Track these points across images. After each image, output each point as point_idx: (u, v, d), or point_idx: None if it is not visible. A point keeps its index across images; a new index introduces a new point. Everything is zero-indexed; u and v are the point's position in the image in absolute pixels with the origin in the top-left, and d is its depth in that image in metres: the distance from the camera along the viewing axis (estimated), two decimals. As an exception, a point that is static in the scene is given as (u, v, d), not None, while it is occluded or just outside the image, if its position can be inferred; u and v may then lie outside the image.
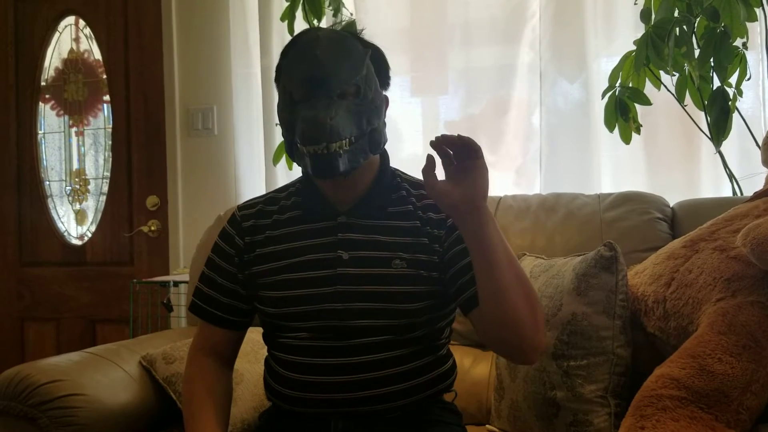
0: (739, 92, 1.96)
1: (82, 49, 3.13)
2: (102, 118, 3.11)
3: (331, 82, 1.17)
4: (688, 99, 2.01)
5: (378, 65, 1.27)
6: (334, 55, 1.18)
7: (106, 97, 3.08)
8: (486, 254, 1.12)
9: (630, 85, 2.03)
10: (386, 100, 1.29)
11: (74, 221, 3.17)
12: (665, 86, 2.05)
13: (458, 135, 1.10)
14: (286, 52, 1.25)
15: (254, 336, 1.54)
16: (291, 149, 1.23)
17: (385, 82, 1.29)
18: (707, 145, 2.12)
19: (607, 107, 2.05)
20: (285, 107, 1.22)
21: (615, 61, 2.06)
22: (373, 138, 1.23)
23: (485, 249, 1.11)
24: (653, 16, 1.95)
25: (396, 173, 1.34)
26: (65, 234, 3.16)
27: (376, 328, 1.22)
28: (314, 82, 1.16)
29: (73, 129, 3.16)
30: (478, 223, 1.11)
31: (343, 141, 1.16)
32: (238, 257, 1.31)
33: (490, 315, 1.14)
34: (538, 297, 1.18)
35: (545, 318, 1.46)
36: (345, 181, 1.23)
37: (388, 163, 1.32)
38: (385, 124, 1.27)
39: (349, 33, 1.26)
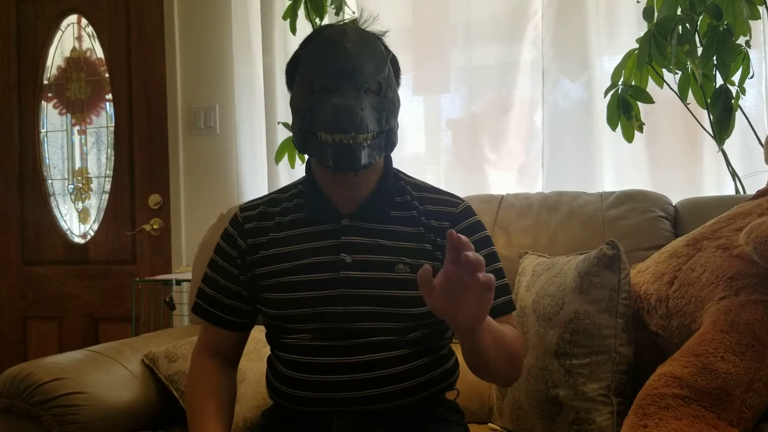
0: (742, 90, 1.95)
1: (84, 48, 3.14)
2: (104, 117, 3.11)
3: (360, 75, 1.17)
4: (690, 97, 2.01)
5: (394, 69, 1.28)
6: (362, 50, 1.19)
7: (109, 96, 3.08)
8: (474, 349, 1.12)
9: (632, 83, 2.03)
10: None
11: (77, 220, 3.17)
12: (668, 84, 2.05)
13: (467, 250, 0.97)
14: (307, 43, 1.25)
15: (257, 335, 1.54)
16: (304, 139, 1.21)
17: (398, 86, 1.30)
18: (710, 144, 2.12)
19: (609, 105, 2.05)
20: (303, 96, 1.21)
21: (617, 60, 2.06)
22: (389, 138, 1.23)
23: (474, 347, 1.12)
24: (656, 14, 1.95)
25: (399, 175, 1.34)
26: (68, 232, 3.16)
27: (378, 329, 1.21)
28: (344, 72, 1.17)
29: (76, 127, 3.16)
30: (472, 335, 1.08)
31: (369, 134, 1.17)
32: (240, 259, 1.31)
33: (471, 369, 1.19)
34: (521, 351, 1.23)
35: (548, 317, 1.47)
36: (350, 181, 1.23)
37: (391, 165, 1.32)
38: (398, 125, 1.27)
39: (373, 33, 1.26)
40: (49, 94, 3.18)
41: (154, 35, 2.94)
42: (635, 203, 1.81)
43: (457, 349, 1.40)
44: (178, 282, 2.61)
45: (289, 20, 2.37)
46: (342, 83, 1.16)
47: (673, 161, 2.31)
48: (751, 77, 1.96)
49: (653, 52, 1.88)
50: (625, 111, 2.03)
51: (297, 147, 1.25)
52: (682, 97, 2.01)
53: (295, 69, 1.26)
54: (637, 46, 1.96)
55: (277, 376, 1.29)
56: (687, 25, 1.85)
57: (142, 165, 2.99)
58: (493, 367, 1.17)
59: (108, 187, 3.08)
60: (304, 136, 1.21)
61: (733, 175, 2.03)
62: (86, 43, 3.13)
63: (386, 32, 1.29)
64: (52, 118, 3.19)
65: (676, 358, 1.23)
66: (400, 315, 1.21)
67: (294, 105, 1.24)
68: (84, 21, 3.12)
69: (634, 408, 1.20)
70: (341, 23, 1.27)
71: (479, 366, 1.17)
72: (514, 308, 1.29)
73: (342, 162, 1.16)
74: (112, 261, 3.05)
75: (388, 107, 1.22)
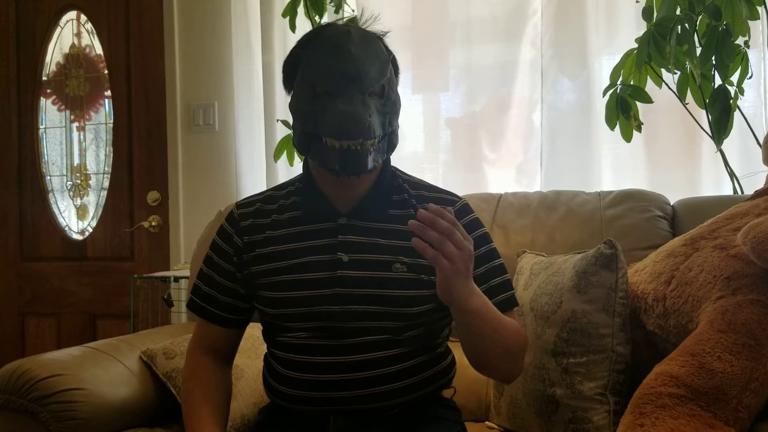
0: (741, 90, 1.96)
1: (83, 44, 3.13)
2: (103, 114, 3.11)
3: (365, 79, 1.16)
4: (689, 97, 2.01)
5: (394, 69, 1.27)
6: (365, 52, 1.18)
7: (108, 93, 3.08)
8: (467, 331, 1.14)
9: (631, 83, 2.03)
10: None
11: (75, 216, 3.17)
12: (666, 84, 2.05)
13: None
14: (306, 43, 1.23)
15: (254, 332, 1.54)
16: (307, 141, 1.20)
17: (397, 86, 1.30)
18: (708, 144, 2.12)
19: (608, 105, 2.05)
20: (306, 99, 1.20)
21: (616, 59, 2.06)
22: (391, 140, 1.23)
23: (466, 328, 1.13)
24: (655, 14, 1.95)
25: (396, 173, 1.33)
26: (66, 229, 3.16)
27: (374, 328, 1.21)
28: (349, 76, 1.15)
29: (75, 124, 3.16)
30: (459, 312, 1.10)
31: (375, 139, 1.16)
32: (236, 256, 1.30)
33: (470, 361, 1.21)
34: (520, 346, 1.21)
35: (545, 315, 1.47)
36: (349, 181, 1.22)
37: (389, 163, 1.31)
38: (399, 126, 1.27)
39: (375, 34, 1.25)
40: (48, 91, 3.18)
41: (154, 32, 2.94)
42: (633, 203, 1.81)
43: (455, 348, 1.41)
44: (176, 279, 2.61)
45: (288, 18, 2.37)
46: (347, 87, 1.15)
47: (672, 161, 2.32)
48: (750, 77, 1.96)
49: (652, 51, 1.89)
50: (623, 110, 2.03)
51: (298, 148, 1.24)
52: (681, 97, 2.01)
53: (293, 69, 1.24)
54: (636, 45, 1.96)
55: (273, 375, 1.29)
56: (686, 25, 1.85)
57: (141, 162, 2.99)
58: (490, 357, 1.17)
59: (106, 183, 3.08)
60: (307, 138, 1.20)
61: (731, 175, 2.03)
62: (85, 40, 3.13)
63: (387, 32, 1.28)
64: (50, 114, 3.19)
65: (673, 358, 1.23)
66: (397, 314, 1.21)
67: (294, 107, 1.23)
68: (83, 17, 3.11)
69: (630, 407, 1.21)
70: (343, 23, 1.26)
71: (476, 356, 1.18)
72: (517, 304, 1.28)
73: (348, 167, 1.15)
74: (110, 258, 3.05)
75: (391, 110, 1.21)
